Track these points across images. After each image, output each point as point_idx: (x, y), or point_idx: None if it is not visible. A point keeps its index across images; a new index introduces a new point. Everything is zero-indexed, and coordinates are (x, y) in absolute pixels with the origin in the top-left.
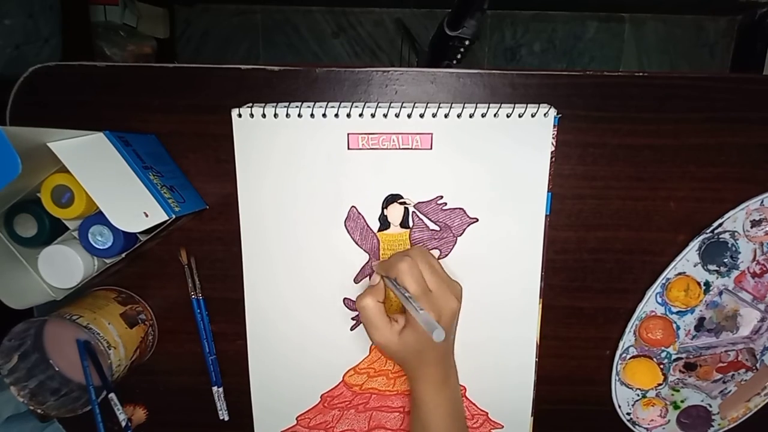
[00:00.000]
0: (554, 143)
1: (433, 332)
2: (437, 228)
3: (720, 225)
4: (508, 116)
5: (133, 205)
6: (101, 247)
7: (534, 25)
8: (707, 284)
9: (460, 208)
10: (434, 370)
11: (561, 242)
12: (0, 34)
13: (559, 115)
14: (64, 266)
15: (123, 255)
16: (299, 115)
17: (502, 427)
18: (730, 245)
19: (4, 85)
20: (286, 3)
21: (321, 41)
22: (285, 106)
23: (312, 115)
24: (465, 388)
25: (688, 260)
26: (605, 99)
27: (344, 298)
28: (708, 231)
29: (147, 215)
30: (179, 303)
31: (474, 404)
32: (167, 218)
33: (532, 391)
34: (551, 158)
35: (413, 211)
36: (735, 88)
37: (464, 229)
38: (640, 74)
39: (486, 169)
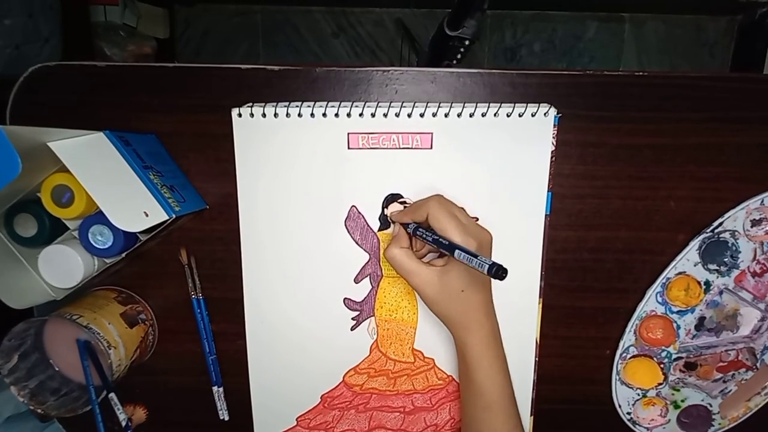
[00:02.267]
0: (554, 143)
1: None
2: None
3: (720, 224)
4: (508, 116)
5: (133, 204)
6: (101, 247)
7: (534, 25)
8: (707, 283)
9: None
10: (484, 318)
11: (561, 242)
12: (0, 34)
13: (559, 115)
14: (64, 266)
15: (123, 255)
16: (299, 115)
17: None
18: (730, 244)
19: (4, 85)
20: (286, 3)
21: (321, 41)
22: (285, 106)
23: (312, 115)
24: None
25: (688, 260)
26: (605, 98)
27: (344, 298)
28: (708, 230)
29: (147, 215)
30: (179, 303)
31: None
32: (167, 218)
33: (532, 391)
34: (551, 158)
35: None
36: (735, 87)
37: None
38: (640, 74)
39: (486, 169)
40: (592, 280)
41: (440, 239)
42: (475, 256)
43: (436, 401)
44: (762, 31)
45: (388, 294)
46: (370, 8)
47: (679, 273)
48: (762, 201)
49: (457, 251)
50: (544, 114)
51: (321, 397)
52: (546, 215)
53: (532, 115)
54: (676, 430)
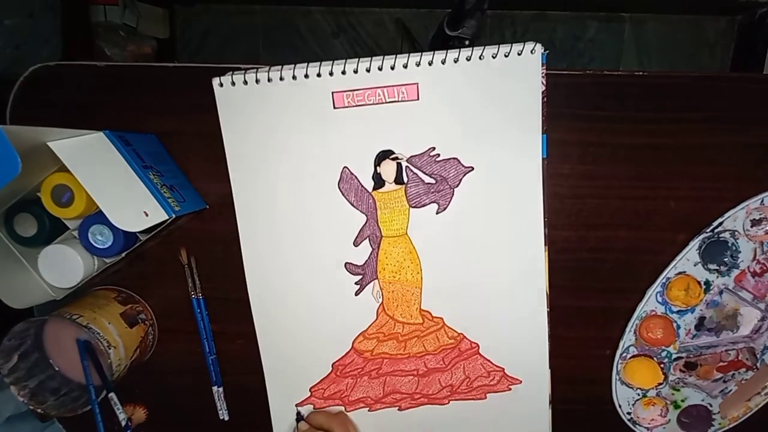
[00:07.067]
0: (544, 82)
1: None
2: (433, 181)
3: (720, 224)
4: (493, 57)
5: (133, 204)
6: (101, 247)
7: (534, 25)
8: (707, 283)
9: (454, 158)
10: None
11: (561, 242)
12: (0, 34)
13: (547, 52)
14: (64, 266)
15: (123, 254)
16: (281, 78)
17: (521, 382)
18: (730, 244)
19: (4, 85)
20: (286, 3)
21: (321, 41)
22: (266, 71)
23: (294, 77)
24: (478, 345)
25: (688, 259)
26: (605, 98)
27: (346, 263)
28: (708, 230)
29: (147, 215)
30: (179, 302)
31: (489, 361)
32: (167, 218)
33: (547, 342)
34: (543, 98)
35: (406, 166)
36: (735, 87)
37: (460, 180)
38: (640, 74)
39: (476, 115)
40: (592, 280)
41: None
42: None
43: (449, 361)
44: (762, 31)
45: (390, 255)
46: (370, 8)
47: (679, 273)
48: (762, 201)
49: None
50: (531, 51)
51: (332, 366)
52: (543, 159)
53: (519, 54)
54: (676, 430)
